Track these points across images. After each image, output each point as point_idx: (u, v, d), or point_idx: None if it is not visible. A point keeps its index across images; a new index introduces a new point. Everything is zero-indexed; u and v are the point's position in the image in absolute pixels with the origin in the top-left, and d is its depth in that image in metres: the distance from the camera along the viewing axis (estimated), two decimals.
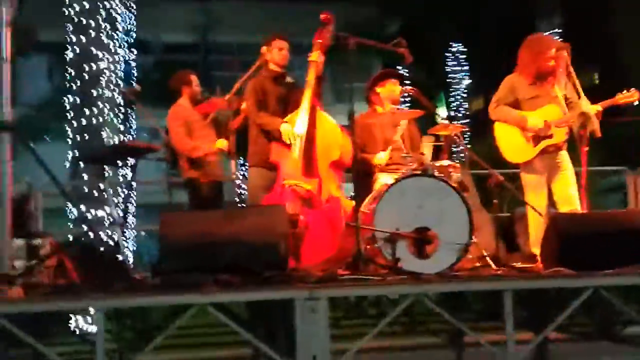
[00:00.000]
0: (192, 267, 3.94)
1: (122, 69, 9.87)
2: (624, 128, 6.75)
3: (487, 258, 4.69)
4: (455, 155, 11.21)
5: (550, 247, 4.54)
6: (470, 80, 19.66)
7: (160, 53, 22.89)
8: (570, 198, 5.33)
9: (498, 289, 3.85)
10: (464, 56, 19.65)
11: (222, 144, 5.83)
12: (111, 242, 6.22)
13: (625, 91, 5.38)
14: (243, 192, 6.23)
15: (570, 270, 4.13)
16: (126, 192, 5.45)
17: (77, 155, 8.20)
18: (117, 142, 7.81)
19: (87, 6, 9.00)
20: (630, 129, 6.44)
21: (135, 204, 10.09)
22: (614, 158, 9.19)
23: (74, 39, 8.95)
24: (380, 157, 5.37)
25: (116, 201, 7.91)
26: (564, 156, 5.43)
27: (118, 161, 5.64)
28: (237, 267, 3.96)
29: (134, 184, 5.80)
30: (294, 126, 5.15)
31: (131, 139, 9.82)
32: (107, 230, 7.20)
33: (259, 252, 4.04)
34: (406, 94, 5.69)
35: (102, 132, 8.84)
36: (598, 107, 5.30)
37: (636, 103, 5.35)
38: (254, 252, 4.03)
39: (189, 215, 4.56)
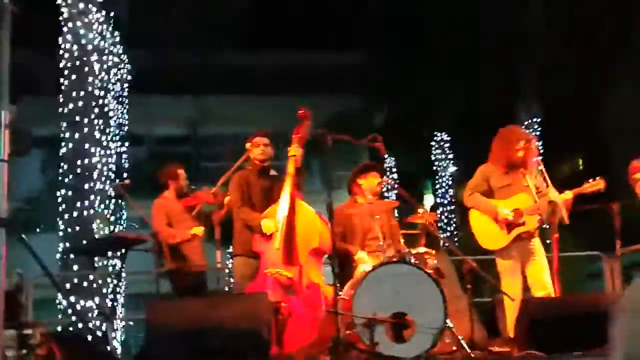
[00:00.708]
0: (178, 353, 4.11)
1: (113, 162, 10.17)
2: (601, 214, 6.99)
3: (463, 342, 4.85)
4: (437, 244, 11.43)
5: (522, 330, 4.74)
6: (455, 168, 20.08)
7: (152, 145, 23.36)
8: (543, 283, 5.53)
9: None
10: (448, 144, 20.15)
11: (198, 230, 6.12)
12: (99, 333, 6.34)
13: (591, 180, 5.67)
14: (229, 280, 6.43)
15: (540, 353, 4.30)
16: (115, 282, 5.62)
17: (68, 246, 8.39)
18: (106, 234, 8.02)
19: (81, 104, 9.37)
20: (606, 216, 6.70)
21: (124, 294, 10.20)
22: (594, 244, 9.43)
23: (68, 135, 9.28)
24: (361, 257, 5.57)
25: (105, 292, 8.06)
26: (537, 243, 5.66)
27: (108, 252, 5.85)
28: (222, 352, 4.13)
29: (123, 274, 5.98)
30: (274, 217, 5.41)
31: (121, 229, 10.03)
32: (96, 321, 7.32)
33: (243, 337, 4.22)
34: (387, 185, 5.96)
35: (92, 224, 9.06)
36: (567, 196, 5.58)
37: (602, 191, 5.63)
38: (239, 337, 4.21)
39: (175, 303, 4.74)
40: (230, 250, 5.93)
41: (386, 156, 5.55)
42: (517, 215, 5.55)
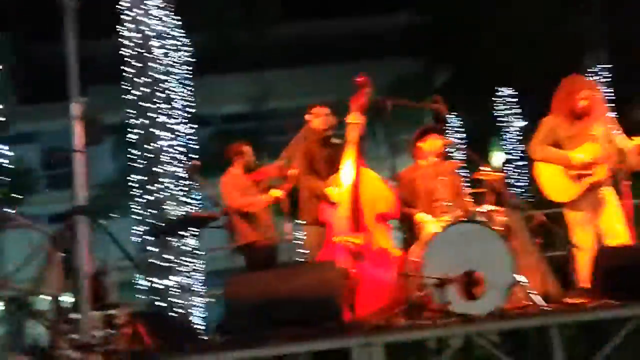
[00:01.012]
0: (255, 325, 4.25)
1: (182, 144, 10.39)
2: None
3: (536, 296, 4.84)
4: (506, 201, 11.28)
5: (598, 280, 4.69)
6: (524, 123, 19.70)
7: (218, 124, 23.73)
8: (617, 232, 5.44)
9: (543, 325, 4.02)
10: (515, 99, 19.76)
11: (277, 193, 6.14)
12: (180, 310, 6.59)
13: None
14: (300, 251, 6.55)
15: (615, 302, 4.27)
16: (192, 260, 5.82)
17: (145, 229, 8.68)
18: (181, 215, 8.27)
19: (145, 90, 9.62)
20: None
21: (201, 272, 10.49)
22: None
23: (136, 122, 9.55)
24: (421, 217, 5.55)
25: (183, 270, 8.33)
26: (608, 192, 5.56)
27: (183, 231, 6.04)
28: (297, 321, 4.25)
29: (198, 252, 6.19)
30: (339, 185, 5.48)
31: (194, 210, 10.28)
32: (176, 299, 7.58)
33: (315, 306, 4.33)
34: (454, 145, 5.95)
35: (165, 206, 9.33)
36: (637, 141, 5.45)
37: None
38: (311, 306, 4.32)
39: (250, 276, 4.88)
40: (299, 221, 6.04)
41: (448, 116, 5.52)
42: (586, 166, 5.46)
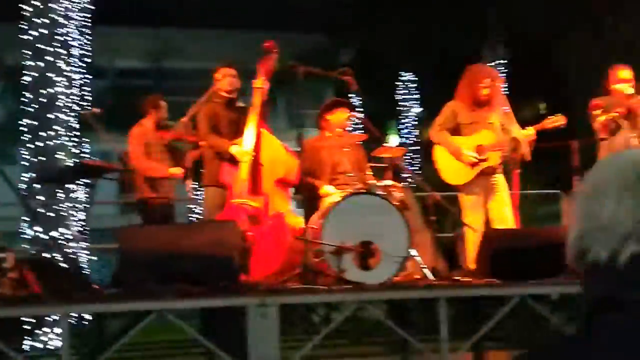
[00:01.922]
0: (150, 278, 4.21)
1: (77, 94, 10.03)
2: (561, 153, 7.19)
3: (426, 271, 5.04)
4: (402, 180, 11.62)
5: (483, 260, 4.94)
6: (421, 109, 20.20)
7: (114, 78, 23.03)
8: (504, 217, 5.72)
9: (432, 297, 4.20)
10: (414, 85, 20.22)
11: (177, 170, 6.14)
12: (69, 260, 6.41)
13: (552, 116, 5.84)
14: (196, 213, 6.53)
15: (498, 281, 4.51)
16: (84, 211, 5.66)
17: (35, 176, 8.34)
18: (77, 162, 8.01)
19: (44, 31, 9.19)
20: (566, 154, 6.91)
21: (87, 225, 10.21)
22: (552, 184, 9.70)
23: (31, 64, 9.12)
24: (326, 190, 5.68)
25: (72, 221, 8.07)
26: (499, 178, 5.83)
27: (76, 180, 5.87)
28: (193, 278, 4.24)
29: (92, 203, 6.04)
30: (242, 147, 5.48)
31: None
32: (65, 249, 7.36)
33: (213, 264, 4.34)
34: (355, 120, 6.04)
35: (57, 155, 8.99)
36: (530, 131, 5.74)
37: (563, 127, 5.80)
38: (209, 264, 4.32)
39: (147, 229, 4.82)
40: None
41: (354, 90, 5.62)
42: (480, 152, 5.70)
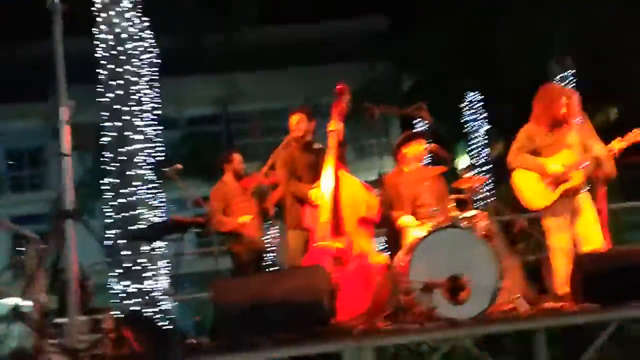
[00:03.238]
0: (246, 328, 4.28)
1: (151, 147, 10.33)
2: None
3: (519, 300, 4.95)
4: (477, 203, 11.50)
5: (577, 285, 4.82)
6: (489, 126, 19.99)
7: (185, 127, 23.61)
8: (593, 238, 5.56)
9: (530, 328, 4.12)
10: (481, 104, 20.04)
11: (245, 218, 6.39)
12: (162, 314, 6.60)
13: (635, 130, 5.68)
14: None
15: (596, 305, 4.40)
16: (174, 264, 5.84)
17: (123, 232, 8.63)
18: (167, 219, 8.28)
19: (119, 92, 9.55)
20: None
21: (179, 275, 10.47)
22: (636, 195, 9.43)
23: (109, 124, 9.48)
24: (406, 220, 5.69)
25: (159, 274, 8.30)
26: (584, 197, 5.69)
27: (165, 235, 6.08)
28: (287, 325, 4.30)
29: (181, 256, 6.23)
30: (321, 190, 5.54)
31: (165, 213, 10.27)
32: (158, 304, 7.57)
33: (304, 309, 4.38)
34: (428, 150, 6.04)
35: (138, 209, 9.28)
36: (614, 147, 5.60)
37: None
38: (301, 310, 4.37)
39: (238, 280, 4.91)
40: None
41: (429, 123, 5.65)
42: (563, 171, 5.60)
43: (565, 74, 16.42)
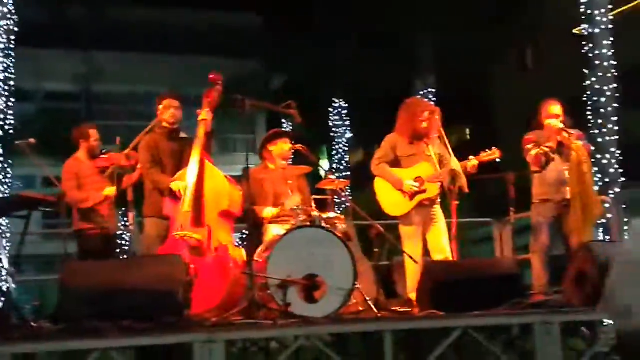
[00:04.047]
0: (93, 314, 4.11)
1: (1, 118, 9.77)
2: (493, 184, 7.45)
3: (370, 303, 5.09)
4: (337, 207, 11.74)
5: (425, 292, 5.02)
6: (351, 135, 20.46)
7: (41, 101, 22.49)
8: (442, 247, 5.85)
9: (379, 330, 4.24)
10: (346, 111, 20.48)
11: (110, 191, 6.03)
12: (1, 294, 6.19)
13: (487, 150, 6.02)
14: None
15: (441, 313, 4.59)
16: (18, 242, 5.49)
17: None
18: (13, 194, 7.78)
19: None
20: (498, 185, 7.16)
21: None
22: (483, 211, 9.96)
23: None
24: (269, 212, 5.72)
25: (3, 253, 7.83)
26: (438, 209, 5.97)
27: (11, 212, 5.71)
28: (137, 313, 4.17)
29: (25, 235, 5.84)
30: (184, 180, 5.44)
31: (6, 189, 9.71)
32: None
33: (158, 299, 4.28)
34: (294, 150, 6.09)
35: None
36: (474, 162, 5.89)
37: (498, 160, 5.99)
38: (154, 299, 4.26)
39: (90, 264, 4.72)
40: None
41: (298, 123, 5.71)
42: (420, 183, 5.83)
43: (426, 90, 17.13)
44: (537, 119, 6.39)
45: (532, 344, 4.41)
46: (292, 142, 5.97)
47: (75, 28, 19.30)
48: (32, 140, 6.12)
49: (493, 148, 6.02)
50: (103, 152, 6.15)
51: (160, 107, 5.81)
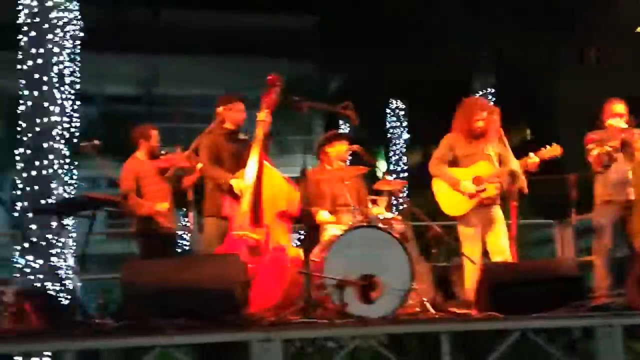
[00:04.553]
0: (154, 312, 4.20)
1: (68, 121, 10.03)
2: (554, 185, 7.34)
3: (427, 304, 5.06)
4: (395, 208, 11.70)
5: (484, 294, 4.97)
6: (409, 135, 20.36)
7: (103, 104, 23.04)
8: (502, 249, 5.77)
9: (436, 331, 4.22)
10: (403, 112, 20.38)
11: (163, 206, 6.13)
12: (67, 292, 6.38)
13: (547, 146, 5.91)
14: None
15: (499, 315, 4.54)
16: (83, 241, 5.63)
17: (33, 206, 8.31)
18: (80, 195, 7.99)
19: (40, 61, 9.21)
20: (559, 186, 7.06)
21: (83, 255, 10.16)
22: (544, 212, 9.81)
23: (27, 93, 9.13)
24: (324, 216, 5.73)
25: (66, 251, 8.04)
26: (497, 210, 5.88)
27: (77, 212, 5.86)
28: (196, 312, 4.24)
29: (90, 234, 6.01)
30: (244, 180, 5.51)
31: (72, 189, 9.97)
32: (64, 281, 7.33)
33: (216, 297, 4.35)
34: (351, 151, 6.11)
35: (51, 184, 8.98)
36: (535, 159, 5.79)
37: (558, 158, 5.88)
38: (212, 297, 4.33)
39: (150, 263, 4.81)
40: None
41: (355, 124, 5.73)
42: (477, 183, 5.75)
43: (486, 90, 16.92)
44: (600, 118, 6.27)
45: (594, 347, 4.32)
46: (349, 144, 5.98)
47: (135, 32, 19.69)
48: (96, 141, 6.25)
49: (553, 144, 5.91)
50: (163, 153, 6.24)
51: (229, 108, 5.85)
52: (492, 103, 15.29)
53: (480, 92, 16.63)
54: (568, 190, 6.20)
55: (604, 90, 6.96)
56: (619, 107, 6.15)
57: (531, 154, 5.83)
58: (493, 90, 17.14)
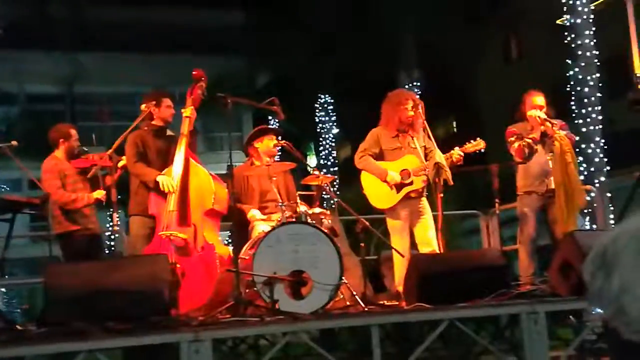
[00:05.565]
0: (79, 316, 4.08)
1: None
2: (478, 176, 7.49)
3: (357, 298, 5.09)
4: (325, 203, 11.75)
5: (412, 285, 5.03)
6: (337, 130, 20.46)
7: (24, 103, 22.38)
8: (429, 240, 5.85)
9: (366, 324, 4.24)
10: (332, 107, 20.48)
11: (100, 194, 5.94)
12: None
13: (472, 141, 6.03)
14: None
15: (428, 305, 4.60)
16: (2, 247, 5.42)
17: None
18: None
19: None
20: (483, 177, 7.18)
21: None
22: (469, 203, 10.01)
23: None
24: (254, 214, 5.70)
25: None
26: (424, 202, 5.97)
27: None
28: (123, 314, 4.15)
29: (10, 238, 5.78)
30: (170, 177, 5.42)
31: None
32: None
33: (143, 299, 4.26)
34: (279, 146, 6.09)
35: None
36: (459, 153, 5.89)
37: (483, 151, 6.01)
38: (139, 299, 4.24)
39: (75, 266, 4.69)
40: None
41: (281, 119, 5.72)
42: (404, 176, 5.82)
43: (412, 84, 17.17)
44: (520, 110, 6.42)
45: (520, 334, 4.42)
46: (278, 139, 5.95)
47: (57, 29, 19.19)
48: (14, 142, 6.04)
49: (477, 139, 6.04)
50: (83, 152, 6.06)
51: (157, 104, 5.73)
52: (417, 96, 15.60)
53: (406, 86, 16.86)
54: (491, 181, 6.32)
55: (526, 81, 7.15)
56: (539, 98, 6.32)
57: (456, 149, 5.94)
58: (418, 84, 17.41)
